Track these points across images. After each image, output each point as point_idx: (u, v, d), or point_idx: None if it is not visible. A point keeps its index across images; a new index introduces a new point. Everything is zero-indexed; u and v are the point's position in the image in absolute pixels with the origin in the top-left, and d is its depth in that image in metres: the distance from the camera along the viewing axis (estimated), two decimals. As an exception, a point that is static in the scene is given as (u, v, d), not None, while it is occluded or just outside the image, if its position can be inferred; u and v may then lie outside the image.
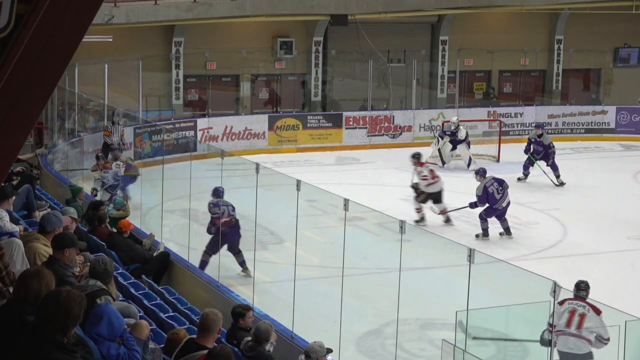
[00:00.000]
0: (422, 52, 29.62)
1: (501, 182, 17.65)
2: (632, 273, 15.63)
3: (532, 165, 22.42)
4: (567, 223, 18.62)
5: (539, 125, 23.65)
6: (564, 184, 21.98)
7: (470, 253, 10.42)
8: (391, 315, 11.07)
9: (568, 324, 10.27)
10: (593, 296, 10.69)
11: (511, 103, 30.06)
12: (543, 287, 9.67)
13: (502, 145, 25.23)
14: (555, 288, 9.40)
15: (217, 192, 14.55)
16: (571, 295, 10.32)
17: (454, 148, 24.21)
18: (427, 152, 24.92)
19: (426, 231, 14.33)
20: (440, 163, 23.75)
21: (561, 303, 10.12)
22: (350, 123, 27.06)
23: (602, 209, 19.99)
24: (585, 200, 20.87)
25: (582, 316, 10.28)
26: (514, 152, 24.67)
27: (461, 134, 24.16)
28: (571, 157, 25.76)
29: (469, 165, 23.66)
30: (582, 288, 10.73)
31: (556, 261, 16.07)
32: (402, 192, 20.55)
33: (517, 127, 28.25)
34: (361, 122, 27.18)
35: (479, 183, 17.81)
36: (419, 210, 18.64)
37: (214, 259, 14.01)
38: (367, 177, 23.11)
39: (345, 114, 27.26)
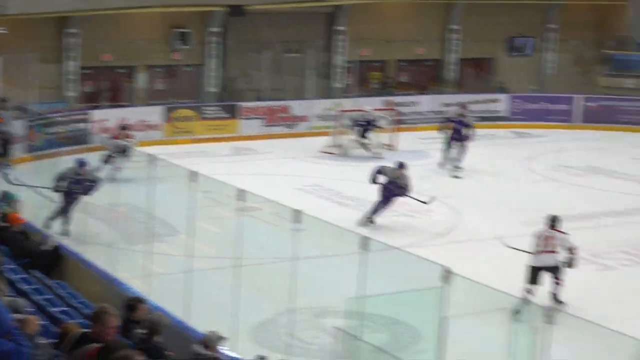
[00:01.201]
0: (319, 42, 29.72)
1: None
2: (523, 258, 15.97)
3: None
4: (462, 210, 18.94)
5: (462, 104, 24.06)
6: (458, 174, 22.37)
7: (364, 241, 10.57)
8: (286, 305, 11.16)
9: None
10: (484, 281, 10.90)
11: (407, 92, 30.37)
12: (435, 273, 9.86)
13: (398, 133, 25.51)
14: (447, 273, 9.60)
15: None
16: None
17: (363, 137, 24.43)
18: (323, 142, 25.13)
19: (322, 220, 14.42)
20: (340, 152, 23.95)
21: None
22: (247, 113, 27.05)
23: (496, 196, 20.40)
24: (480, 187, 21.26)
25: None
26: (410, 141, 25.05)
27: (382, 123, 24.51)
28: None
29: (377, 154, 23.96)
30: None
31: (450, 247, 16.34)
32: (298, 182, 20.70)
33: (413, 115, 28.57)
34: (258, 113, 27.19)
35: (405, 173, 17.93)
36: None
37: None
38: (264, 167, 23.16)
39: (241, 104, 27.22)
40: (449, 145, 22.92)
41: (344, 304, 10.10)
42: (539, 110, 29.75)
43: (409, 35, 30.70)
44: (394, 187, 17.85)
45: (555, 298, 13.50)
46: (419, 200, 17.73)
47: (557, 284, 13.57)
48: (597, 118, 29.32)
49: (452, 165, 22.71)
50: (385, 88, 30.65)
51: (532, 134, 28.27)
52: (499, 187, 21.32)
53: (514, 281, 14.10)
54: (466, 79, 32.31)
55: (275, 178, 21.63)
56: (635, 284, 14.71)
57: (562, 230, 13.86)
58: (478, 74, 32.83)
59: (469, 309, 10.17)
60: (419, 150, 25.11)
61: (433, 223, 18.04)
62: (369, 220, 17.56)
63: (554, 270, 13.60)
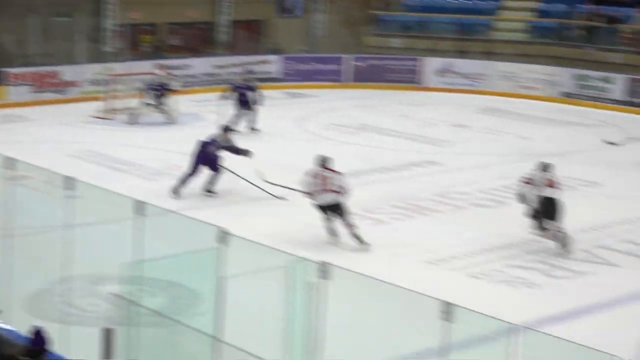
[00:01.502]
0: (88, 5, 29.07)
1: None
2: (298, 216, 16.30)
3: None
4: (238, 170, 19.03)
5: (248, 71, 24.26)
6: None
7: (140, 206, 10.50)
8: (61, 273, 10.97)
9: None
10: (262, 240, 11.05)
11: (179, 55, 30.21)
12: (212, 234, 9.93)
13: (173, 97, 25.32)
14: (223, 234, 9.69)
15: None
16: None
17: (160, 102, 24.05)
18: (95, 107, 24.68)
19: (96, 187, 14.19)
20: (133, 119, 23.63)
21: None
22: (15, 80, 26.15)
23: (271, 156, 20.63)
24: (256, 148, 21.41)
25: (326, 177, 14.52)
26: (185, 104, 24.97)
27: (174, 85, 24.20)
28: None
29: (172, 118, 23.74)
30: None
31: (227, 209, 16.44)
32: (71, 149, 20.27)
33: (186, 78, 28.44)
34: (26, 79, 26.35)
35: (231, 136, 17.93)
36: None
37: None
38: (35, 135, 22.51)
39: (8, 70, 26.27)
40: (239, 110, 23.00)
41: (121, 269, 10.01)
42: (311, 70, 30.25)
43: (179, -2, 30.54)
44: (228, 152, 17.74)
45: (357, 239, 14.09)
46: (268, 192, 17.40)
47: (349, 226, 14.17)
48: (366, 77, 30.11)
49: (249, 129, 22.84)
50: (157, 51, 30.37)
51: (304, 94, 28.73)
52: (274, 147, 21.58)
53: (292, 237, 14.45)
54: (238, 41, 32.44)
55: (47, 145, 21.09)
56: (407, 236, 15.27)
57: (335, 170, 14.40)
58: (250, 36, 33.03)
59: (247, 269, 10.27)
60: (194, 113, 25.10)
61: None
62: (209, 192, 17.47)
63: (338, 210, 14.14)
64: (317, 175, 14.60)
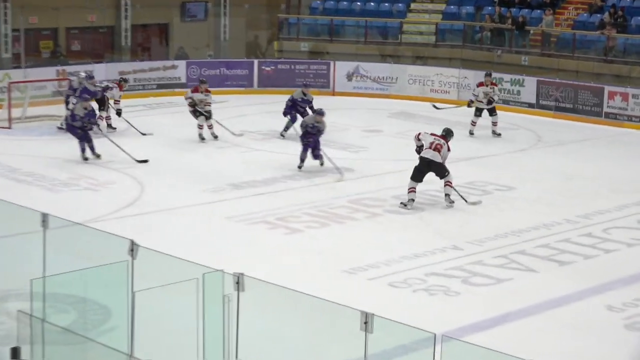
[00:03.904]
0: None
1: None
2: (210, 226, 16.17)
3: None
4: (144, 180, 18.84)
5: (307, 85, 24.22)
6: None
7: (44, 218, 10.27)
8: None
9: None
10: (173, 252, 10.91)
11: (80, 61, 29.77)
12: (121, 247, 9.75)
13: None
14: (133, 247, 9.53)
15: None
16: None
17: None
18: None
19: (-2, 199, 13.86)
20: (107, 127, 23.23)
21: None
22: None
23: (179, 164, 20.45)
24: (164, 156, 21.22)
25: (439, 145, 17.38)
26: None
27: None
28: (145, 113, 26.04)
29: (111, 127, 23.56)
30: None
31: (134, 220, 16.23)
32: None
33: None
34: None
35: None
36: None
37: None
38: None
39: None
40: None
41: (28, 285, 9.76)
42: (218, 76, 30.07)
43: (78, 2, 30.07)
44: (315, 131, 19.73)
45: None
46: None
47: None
48: (275, 82, 30.05)
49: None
50: (58, 57, 29.90)
51: (214, 100, 28.55)
52: (180, 156, 21.39)
53: (198, 250, 14.30)
54: (142, 46, 32.15)
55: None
56: (323, 245, 15.23)
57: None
58: (154, 40, 32.76)
59: (159, 281, 10.12)
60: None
61: (116, 195, 17.82)
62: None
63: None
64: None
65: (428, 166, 17.43)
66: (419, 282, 13.53)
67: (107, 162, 20.02)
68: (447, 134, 17.96)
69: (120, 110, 23.49)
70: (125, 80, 24.71)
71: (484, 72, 25.61)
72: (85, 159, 20.18)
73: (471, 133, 23.74)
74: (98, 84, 23.34)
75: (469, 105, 24.47)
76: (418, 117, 26.61)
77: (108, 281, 10.40)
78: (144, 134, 23.01)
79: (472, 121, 24.23)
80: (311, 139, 19.82)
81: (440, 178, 17.50)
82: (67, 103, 23.06)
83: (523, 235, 15.92)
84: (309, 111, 23.02)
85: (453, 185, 17.43)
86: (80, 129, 20.20)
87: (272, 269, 13.60)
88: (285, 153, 21.45)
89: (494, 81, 24.91)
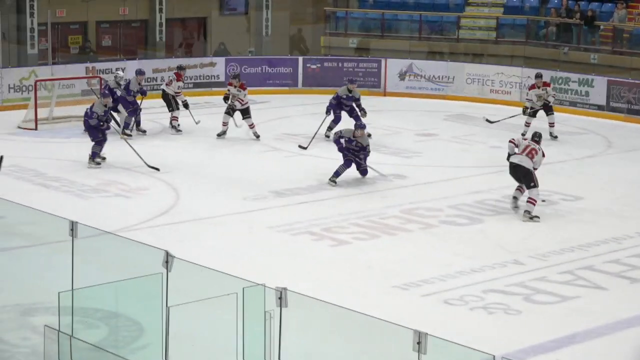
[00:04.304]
0: (7, 2, 28.83)
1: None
2: (250, 236, 16.25)
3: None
4: (179, 187, 18.98)
5: (352, 81, 24.03)
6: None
7: (73, 227, 10.39)
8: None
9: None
10: (211, 264, 11.01)
11: (111, 57, 30.03)
12: (155, 258, 9.84)
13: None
14: (168, 258, 9.62)
15: None
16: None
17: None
18: (20, 116, 24.46)
19: (22, 206, 14.05)
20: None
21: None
22: None
23: (217, 169, 20.57)
24: (202, 161, 21.37)
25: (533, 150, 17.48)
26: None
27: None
28: (182, 114, 26.17)
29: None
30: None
31: (169, 229, 16.35)
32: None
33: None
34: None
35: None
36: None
37: None
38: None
39: None
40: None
41: (55, 298, 9.88)
42: (259, 74, 30.19)
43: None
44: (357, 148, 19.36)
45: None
46: None
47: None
48: (321, 81, 30.11)
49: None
50: (87, 53, 30.17)
51: (255, 100, 28.69)
52: (221, 160, 21.52)
53: (241, 260, 14.39)
54: (176, 41, 32.36)
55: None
56: (372, 258, 15.26)
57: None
58: (191, 35, 32.94)
59: (195, 296, 10.21)
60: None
61: (149, 202, 17.98)
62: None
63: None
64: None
65: (514, 171, 17.58)
66: (476, 300, 13.51)
67: (140, 167, 20.17)
68: (540, 138, 17.95)
69: (186, 101, 24.02)
70: (183, 69, 25.02)
71: (549, 72, 25.53)
72: (98, 164, 20.29)
73: (523, 135, 23.66)
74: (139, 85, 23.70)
75: (524, 112, 24.37)
76: (476, 119, 26.55)
77: (141, 295, 10.52)
78: (197, 122, 24.07)
79: (526, 122, 24.25)
80: (352, 156, 19.36)
81: (527, 188, 17.49)
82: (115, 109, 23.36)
83: (591, 250, 15.84)
84: (357, 109, 23.09)
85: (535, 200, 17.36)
86: (96, 128, 20.20)
87: (317, 283, 13.66)
88: (332, 158, 21.44)
89: (546, 81, 24.82)
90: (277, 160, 21.68)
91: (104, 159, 20.49)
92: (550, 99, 24.09)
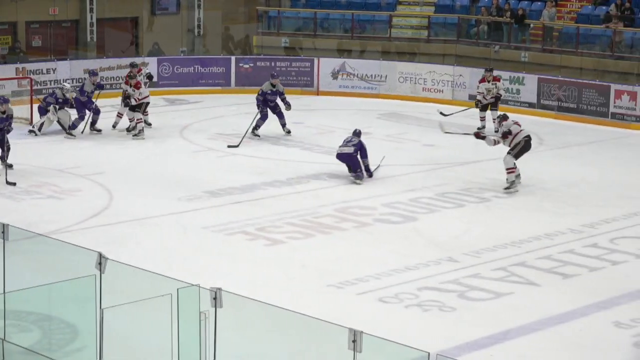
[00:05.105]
0: None
1: None
2: (185, 237, 16.18)
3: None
4: (112, 188, 18.85)
5: (274, 75, 24.20)
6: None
7: (4, 229, 10.29)
8: None
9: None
10: (145, 265, 10.95)
11: (42, 58, 29.75)
12: (88, 260, 9.77)
13: (34, 105, 24.91)
14: (101, 260, 9.55)
15: None
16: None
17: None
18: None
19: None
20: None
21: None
22: None
23: (149, 170, 20.46)
24: (133, 161, 21.24)
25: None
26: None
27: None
28: (112, 115, 26.01)
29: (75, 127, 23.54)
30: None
31: (102, 231, 16.23)
32: None
33: (50, 84, 27.96)
34: None
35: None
36: None
37: None
38: None
39: None
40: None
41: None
42: (192, 74, 30.08)
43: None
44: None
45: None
46: None
47: None
48: (253, 80, 30.06)
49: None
50: (17, 54, 29.86)
51: (187, 100, 28.62)
52: (154, 160, 21.40)
53: (176, 261, 14.33)
54: (108, 42, 32.14)
55: None
56: (307, 257, 15.28)
57: None
58: (122, 35, 32.73)
59: (128, 297, 10.15)
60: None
61: (82, 204, 17.83)
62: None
63: None
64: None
65: (527, 145, 19.82)
66: (411, 297, 13.58)
67: (73, 168, 20.01)
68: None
69: (129, 102, 23.79)
70: (136, 65, 24.86)
71: (481, 69, 25.78)
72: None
73: (480, 129, 23.83)
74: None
75: (476, 106, 24.85)
76: (410, 118, 26.70)
77: (74, 297, 10.44)
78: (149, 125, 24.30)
79: (480, 117, 25.03)
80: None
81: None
82: (45, 110, 23.19)
83: (524, 246, 16.00)
84: (282, 103, 23.34)
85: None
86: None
87: (252, 283, 13.65)
88: (266, 158, 21.51)
89: (496, 76, 25.15)
90: (210, 160, 21.61)
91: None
92: (502, 92, 24.70)
